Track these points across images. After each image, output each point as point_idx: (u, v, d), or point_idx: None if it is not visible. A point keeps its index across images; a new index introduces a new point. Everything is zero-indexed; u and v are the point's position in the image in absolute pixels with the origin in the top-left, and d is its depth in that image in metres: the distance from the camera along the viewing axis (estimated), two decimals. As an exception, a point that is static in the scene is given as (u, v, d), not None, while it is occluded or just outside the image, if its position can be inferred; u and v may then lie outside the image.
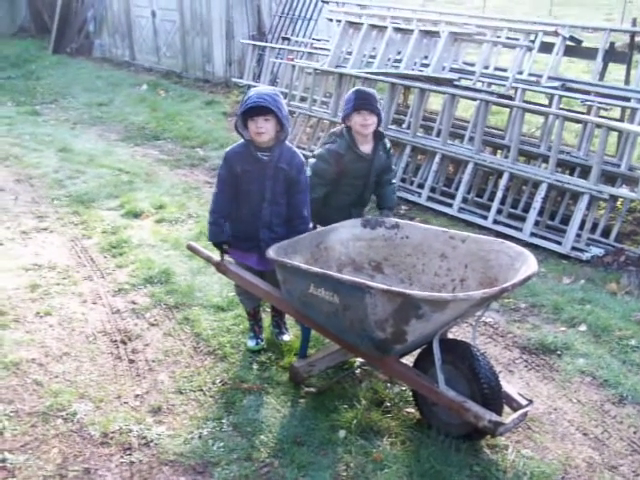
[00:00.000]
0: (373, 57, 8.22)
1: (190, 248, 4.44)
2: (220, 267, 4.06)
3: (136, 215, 6.34)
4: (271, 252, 3.62)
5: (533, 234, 6.04)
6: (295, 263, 3.50)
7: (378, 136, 4.23)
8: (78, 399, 3.69)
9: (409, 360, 3.56)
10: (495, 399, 3.24)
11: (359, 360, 3.93)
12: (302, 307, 3.61)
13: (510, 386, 3.52)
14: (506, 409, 3.34)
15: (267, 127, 3.73)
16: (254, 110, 3.67)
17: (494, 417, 3.10)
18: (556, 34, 7.16)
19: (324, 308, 3.41)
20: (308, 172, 4.07)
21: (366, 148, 4.20)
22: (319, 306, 3.43)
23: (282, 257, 3.60)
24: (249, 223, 3.91)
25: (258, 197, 3.86)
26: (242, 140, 3.90)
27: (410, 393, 3.63)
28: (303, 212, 3.95)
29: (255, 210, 3.89)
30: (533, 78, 7.22)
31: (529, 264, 3.27)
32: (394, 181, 4.51)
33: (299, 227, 3.94)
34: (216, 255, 4.09)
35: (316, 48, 9.62)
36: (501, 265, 3.47)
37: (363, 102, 4.09)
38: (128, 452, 3.32)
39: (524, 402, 3.35)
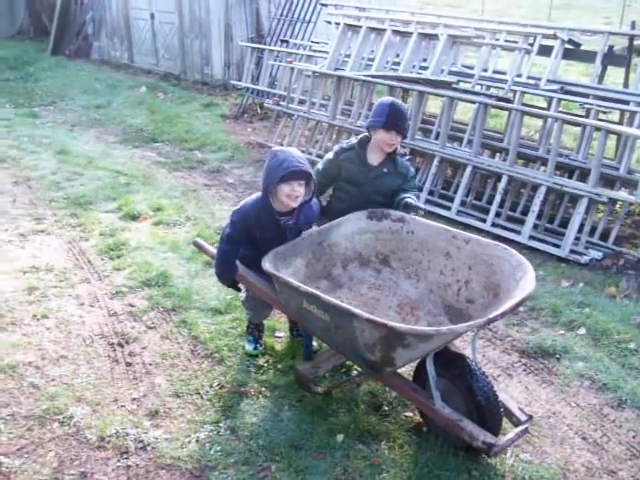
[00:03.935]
0: (372, 60, 8.21)
1: (196, 244, 4.41)
2: None
3: (134, 217, 6.32)
4: (267, 261, 3.52)
5: (532, 237, 6.03)
6: (286, 278, 3.41)
7: (391, 152, 4.08)
8: (75, 402, 3.67)
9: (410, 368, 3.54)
10: (492, 416, 3.19)
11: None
12: (299, 317, 3.60)
13: (511, 400, 3.46)
14: (507, 423, 3.32)
15: (301, 192, 3.62)
16: (292, 174, 3.55)
17: (488, 438, 3.05)
18: (555, 37, 7.15)
19: (318, 323, 3.38)
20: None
21: (373, 158, 4.08)
22: (314, 320, 3.40)
23: (280, 264, 3.56)
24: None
25: (277, 245, 3.72)
26: (257, 196, 3.76)
27: (408, 397, 3.62)
28: None
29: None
30: (532, 81, 7.21)
31: (527, 279, 3.21)
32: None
33: None
34: None
35: (315, 51, 9.60)
36: (503, 272, 3.43)
37: (395, 122, 3.94)
38: (125, 456, 3.31)
39: (524, 417, 3.31)
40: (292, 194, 3.59)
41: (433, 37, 7.86)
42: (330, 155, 4.18)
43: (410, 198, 3.99)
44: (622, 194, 6.01)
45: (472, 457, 3.25)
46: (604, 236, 6.04)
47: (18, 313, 4.58)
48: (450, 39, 7.56)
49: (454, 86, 7.41)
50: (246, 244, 3.82)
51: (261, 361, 4.07)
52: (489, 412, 3.17)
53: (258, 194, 3.77)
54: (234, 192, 7.27)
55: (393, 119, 3.94)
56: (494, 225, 6.29)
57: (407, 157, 4.35)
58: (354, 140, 4.17)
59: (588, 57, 7.66)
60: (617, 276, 5.43)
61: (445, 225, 3.97)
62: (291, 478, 3.15)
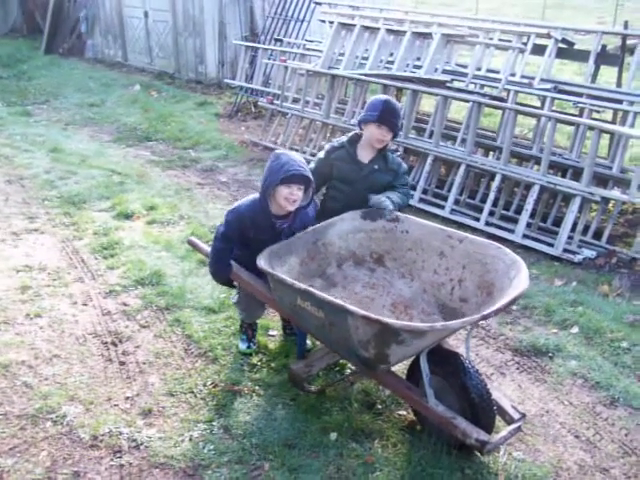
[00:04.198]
0: (365, 58, 8.21)
1: (190, 243, 4.41)
2: None
3: (127, 216, 6.31)
4: (261, 259, 3.52)
5: (525, 236, 6.04)
6: (280, 276, 3.41)
7: (382, 149, 4.09)
8: (68, 401, 3.67)
9: (404, 365, 3.55)
10: (486, 414, 3.19)
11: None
12: (293, 315, 3.60)
13: (504, 398, 3.46)
14: (500, 421, 3.33)
15: (300, 196, 3.63)
16: (293, 177, 3.56)
17: (481, 436, 3.06)
18: (548, 36, 7.16)
19: (312, 320, 3.38)
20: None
21: (363, 156, 4.09)
22: (308, 317, 3.40)
23: (274, 262, 3.55)
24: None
25: (271, 244, 3.72)
26: (253, 197, 3.76)
27: (402, 395, 3.62)
28: None
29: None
30: (525, 80, 7.22)
31: (521, 277, 3.22)
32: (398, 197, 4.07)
33: None
34: None
35: (309, 49, 9.60)
36: (497, 271, 3.44)
37: (388, 117, 3.95)
38: (118, 455, 3.30)
39: (517, 416, 3.31)
40: (290, 197, 3.60)
41: (427, 36, 7.87)
42: (321, 154, 4.19)
43: (378, 196, 4.00)
44: (615, 193, 6.02)
45: (465, 455, 3.26)
46: (597, 235, 6.06)
47: (11, 312, 4.57)
48: (444, 38, 7.57)
49: (448, 85, 7.41)
50: (239, 244, 3.82)
51: (255, 360, 4.07)
52: (482, 410, 3.18)
53: (255, 195, 3.78)
54: (228, 191, 7.26)
55: (386, 114, 3.95)
56: (488, 224, 6.31)
57: (397, 153, 4.33)
58: (344, 138, 4.17)
59: (581, 56, 7.67)
60: (610, 275, 5.44)
61: (439, 224, 3.98)
62: (284, 477, 3.15)
